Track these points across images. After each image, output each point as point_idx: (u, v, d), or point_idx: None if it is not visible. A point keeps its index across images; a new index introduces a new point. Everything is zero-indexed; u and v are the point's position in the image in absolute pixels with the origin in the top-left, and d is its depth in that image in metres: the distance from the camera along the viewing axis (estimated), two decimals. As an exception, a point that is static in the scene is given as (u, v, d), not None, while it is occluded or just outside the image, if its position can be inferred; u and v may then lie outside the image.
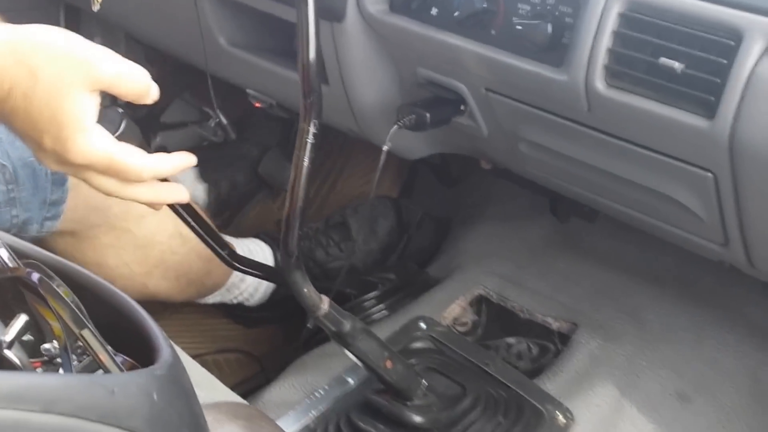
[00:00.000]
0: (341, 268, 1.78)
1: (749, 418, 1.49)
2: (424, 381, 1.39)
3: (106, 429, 0.55)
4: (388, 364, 1.31)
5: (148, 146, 1.11)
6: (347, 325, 1.25)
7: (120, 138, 0.92)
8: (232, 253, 1.55)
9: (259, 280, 1.79)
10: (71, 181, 1.33)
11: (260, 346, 1.91)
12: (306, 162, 1.08)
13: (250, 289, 1.80)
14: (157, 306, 1.69)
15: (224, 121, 2.17)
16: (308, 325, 1.72)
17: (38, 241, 1.38)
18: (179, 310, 1.87)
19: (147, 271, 1.57)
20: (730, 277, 1.55)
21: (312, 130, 1.06)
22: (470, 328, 1.70)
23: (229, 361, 1.86)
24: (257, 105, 1.83)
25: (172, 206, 1.23)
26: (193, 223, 1.39)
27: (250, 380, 1.79)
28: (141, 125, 1.40)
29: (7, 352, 0.59)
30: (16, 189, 1.28)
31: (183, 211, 1.38)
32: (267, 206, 2.21)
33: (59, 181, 1.32)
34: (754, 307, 1.66)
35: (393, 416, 1.37)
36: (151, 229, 1.52)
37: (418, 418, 1.37)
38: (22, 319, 0.61)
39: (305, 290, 1.20)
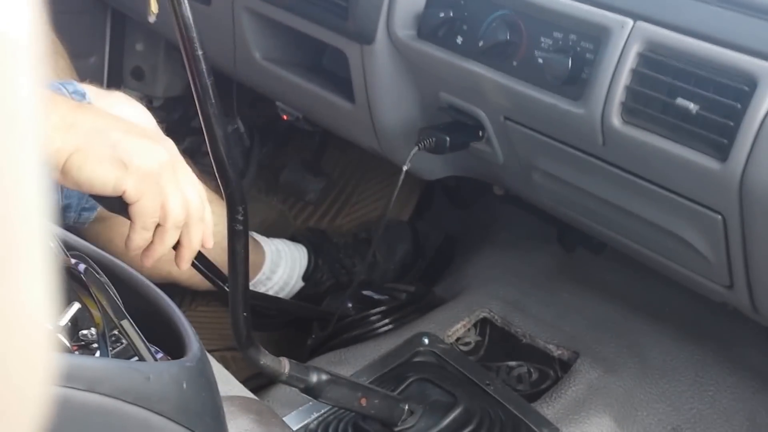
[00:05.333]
0: (361, 282, 1.84)
1: (744, 459, 1.48)
2: (405, 406, 1.41)
3: (140, 411, 0.59)
4: (363, 401, 1.34)
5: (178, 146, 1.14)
6: (313, 379, 1.28)
7: None
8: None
9: (287, 278, 1.83)
10: None
11: (267, 348, 1.93)
12: (242, 250, 1.07)
13: (279, 285, 1.83)
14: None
15: (242, 128, 2.22)
16: (312, 336, 1.76)
17: (73, 230, 1.42)
18: (191, 308, 1.92)
19: (171, 259, 1.60)
20: (732, 319, 1.54)
21: (239, 217, 1.05)
22: (473, 348, 1.72)
23: (236, 358, 1.87)
24: (285, 117, 1.87)
25: None
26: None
27: (254, 379, 1.81)
28: (172, 129, 1.44)
29: (59, 336, 0.64)
30: None
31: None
32: (284, 213, 2.26)
33: None
34: (755, 351, 1.64)
35: None
36: None
37: None
38: (75, 307, 0.66)
39: (262, 362, 1.24)
